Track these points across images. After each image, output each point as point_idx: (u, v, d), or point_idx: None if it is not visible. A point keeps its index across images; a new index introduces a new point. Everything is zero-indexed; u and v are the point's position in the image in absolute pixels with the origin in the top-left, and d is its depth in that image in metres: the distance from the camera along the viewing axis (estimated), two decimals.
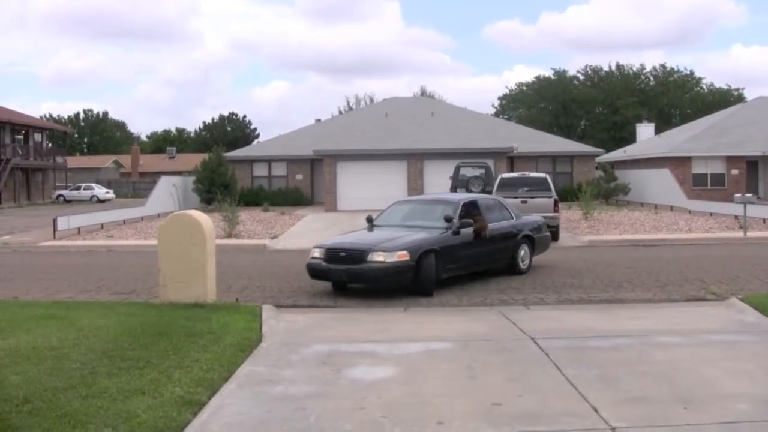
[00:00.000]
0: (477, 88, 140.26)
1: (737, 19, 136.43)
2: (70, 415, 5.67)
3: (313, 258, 12.22)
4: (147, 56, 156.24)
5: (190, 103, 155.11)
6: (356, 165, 37.03)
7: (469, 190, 26.57)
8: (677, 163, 40.13)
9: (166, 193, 35.01)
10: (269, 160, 43.19)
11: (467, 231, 12.84)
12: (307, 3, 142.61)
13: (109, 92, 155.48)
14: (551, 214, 19.46)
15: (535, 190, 21.19)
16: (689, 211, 30.13)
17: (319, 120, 56.80)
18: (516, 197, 20.11)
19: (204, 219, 10.52)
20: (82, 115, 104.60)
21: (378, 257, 11.48)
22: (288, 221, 28.47)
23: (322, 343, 8.56)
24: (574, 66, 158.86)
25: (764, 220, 24.59)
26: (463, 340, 8.54)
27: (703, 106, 76.91)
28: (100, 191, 59.44)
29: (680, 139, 44.90)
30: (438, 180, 34.68)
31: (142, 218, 31.02)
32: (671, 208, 32.34)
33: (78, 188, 59.48)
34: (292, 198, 40.63)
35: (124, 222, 29.01)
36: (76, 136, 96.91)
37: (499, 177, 23.91)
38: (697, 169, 41.25)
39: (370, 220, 13.69)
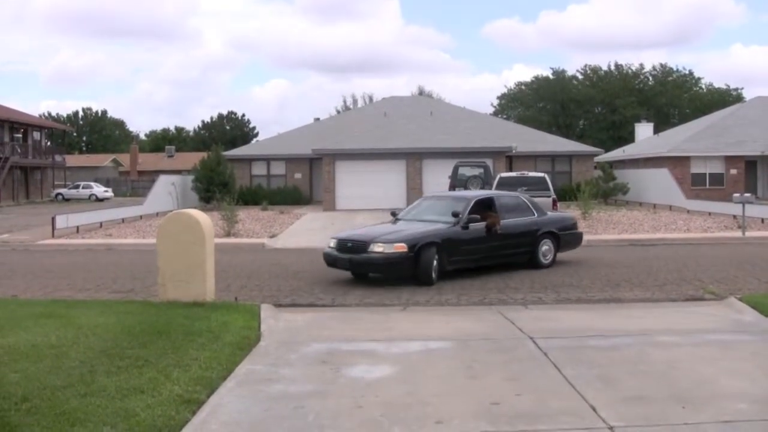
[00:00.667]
0: (476, 87, 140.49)
1: (737, 19, 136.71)
2: (68, 414, 5.67)
3: (328, 247, 13.63)
4: (146, 55, 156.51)
5: (189, 101, 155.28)
6: (355, 164, 37.01)
7: (467, 189, 26.55)
8: (676, 163, 40.14)
9: (164, 192, 35.03)
10: (268, 159, 43.22)
11: (477, 226, 13.67)
12: (306, 1, 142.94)
13: (108, 91, 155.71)
14: None
15: (534, 189, 21.24)
16: (688, 211, 30.15)
17: (318, 119, 56.80)
18: None
19: (203, 218, 10.52)
20: (81, 113, 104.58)
21: (378, 248, 12.56)
22: (287, 220, 28.47)
23: (320, 341, 8.56)
24: (573, 65, 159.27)
25: (762, 220, 24.62)
26: (462, 340, 8.55)
27: (702, 106, 76.96)
28: (99, 190, 59.41)
29: (679, 138, 44.91)
30: (437, 179, 34.59)
31: (141, 217, 31.01)
32: (670, 207, 32.35)
33: (77, 187, 59.42)
34: (291, 197, 40.68)
35: (123, 220, 29.01)
36: (75, 134, 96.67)
37: (498, 176, 23.96)
38: (696, 168, 41.28)
39: (394, 214, 15.08)
